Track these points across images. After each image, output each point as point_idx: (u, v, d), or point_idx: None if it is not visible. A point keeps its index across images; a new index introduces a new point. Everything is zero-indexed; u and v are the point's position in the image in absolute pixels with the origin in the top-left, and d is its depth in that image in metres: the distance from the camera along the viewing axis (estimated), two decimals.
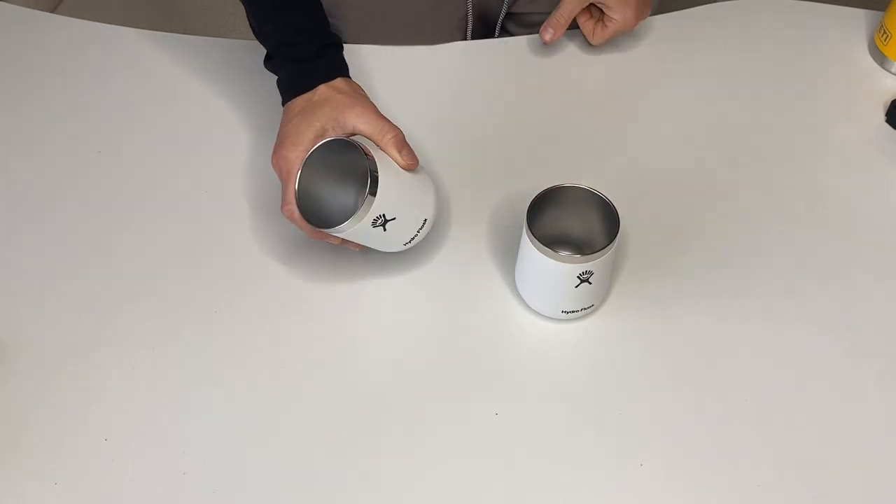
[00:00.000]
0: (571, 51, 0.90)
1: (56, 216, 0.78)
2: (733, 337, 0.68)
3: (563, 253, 0.62)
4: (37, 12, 0.97)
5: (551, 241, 0.62)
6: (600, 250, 0.62)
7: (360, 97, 0.69)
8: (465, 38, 0.97)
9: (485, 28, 0.99)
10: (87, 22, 0.95)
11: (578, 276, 0.63)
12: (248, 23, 0.74)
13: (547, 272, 0.64)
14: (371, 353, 0.68)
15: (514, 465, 0.62)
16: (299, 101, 0.69)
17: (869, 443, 0.63)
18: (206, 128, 0.85)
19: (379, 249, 0.69)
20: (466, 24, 0.96)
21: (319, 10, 0.73)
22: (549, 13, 0.86)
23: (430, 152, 0.79)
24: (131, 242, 0.76)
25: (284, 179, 0.66)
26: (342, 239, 0.66)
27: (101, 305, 0.72)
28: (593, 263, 0.62)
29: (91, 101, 0.88)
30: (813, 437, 0.63)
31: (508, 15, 0.98)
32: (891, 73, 0.87)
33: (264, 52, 0.74)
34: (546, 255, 0.62)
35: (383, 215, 0.63)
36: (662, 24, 0.92)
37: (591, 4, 0.86)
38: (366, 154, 0.62)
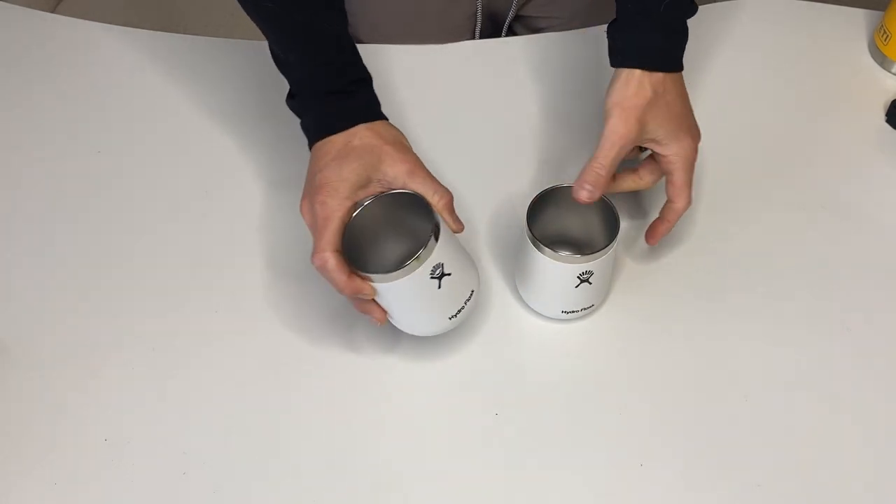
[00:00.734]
0: (577, 51, 0.89)
1: (56, 216, 0.78)
2: (733, 337, 0.68)
3: (563, 253, 0.62)
4: (37, 12, 0.97)
5: (551, 241, 0.62)
6: (600, 250, 0.62)
7: (407, 150, 0.63)
8: (473, 38, 0.97)
9: (493, 28, 0.99)
10: (87, 22, 0.95)
11: (578, 276, 0.63)
12: (248, 23, 0.74)
13: (547, 272, 0.64)
14: (371, 352, 0.69)
15: (514, 465, 0.62)
16: (336, 143, 0.62)
17: (869, 443, 0.63)
18: (206, 128, 0.85)
19: (416, 323, 0.63)
20: (475, 23, 0.96)
21: (351, 41, 0.66)
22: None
23: (429, 151, 0.79)
24: (131, 242, 0.76)
25: (320, 227, 0.60)
26: (374, 300, 0.61)
27: (101, 305, 0.72)
28: (593, 263, 0.62)
29: (91, 101, 0.88)
30: (813, 438, 0.63)
31: (517, 17, 0.98)
32: (891, 73, 0.87)
33: (264, 52, 0.73)
34: (546, 255, 0.62)
35: (442, 265, 0.58)
36: None
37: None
38: (430, 208, 0.59)
